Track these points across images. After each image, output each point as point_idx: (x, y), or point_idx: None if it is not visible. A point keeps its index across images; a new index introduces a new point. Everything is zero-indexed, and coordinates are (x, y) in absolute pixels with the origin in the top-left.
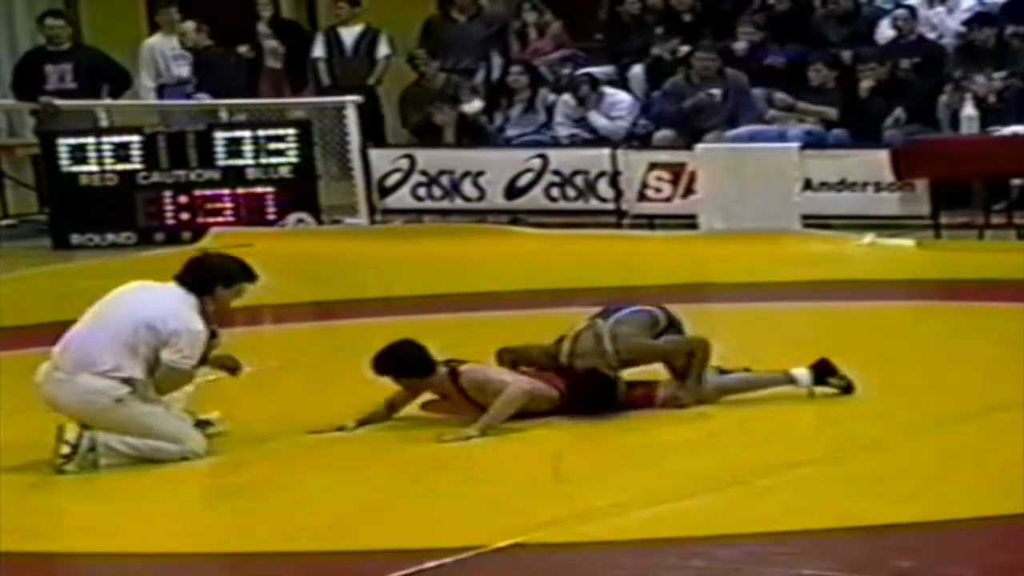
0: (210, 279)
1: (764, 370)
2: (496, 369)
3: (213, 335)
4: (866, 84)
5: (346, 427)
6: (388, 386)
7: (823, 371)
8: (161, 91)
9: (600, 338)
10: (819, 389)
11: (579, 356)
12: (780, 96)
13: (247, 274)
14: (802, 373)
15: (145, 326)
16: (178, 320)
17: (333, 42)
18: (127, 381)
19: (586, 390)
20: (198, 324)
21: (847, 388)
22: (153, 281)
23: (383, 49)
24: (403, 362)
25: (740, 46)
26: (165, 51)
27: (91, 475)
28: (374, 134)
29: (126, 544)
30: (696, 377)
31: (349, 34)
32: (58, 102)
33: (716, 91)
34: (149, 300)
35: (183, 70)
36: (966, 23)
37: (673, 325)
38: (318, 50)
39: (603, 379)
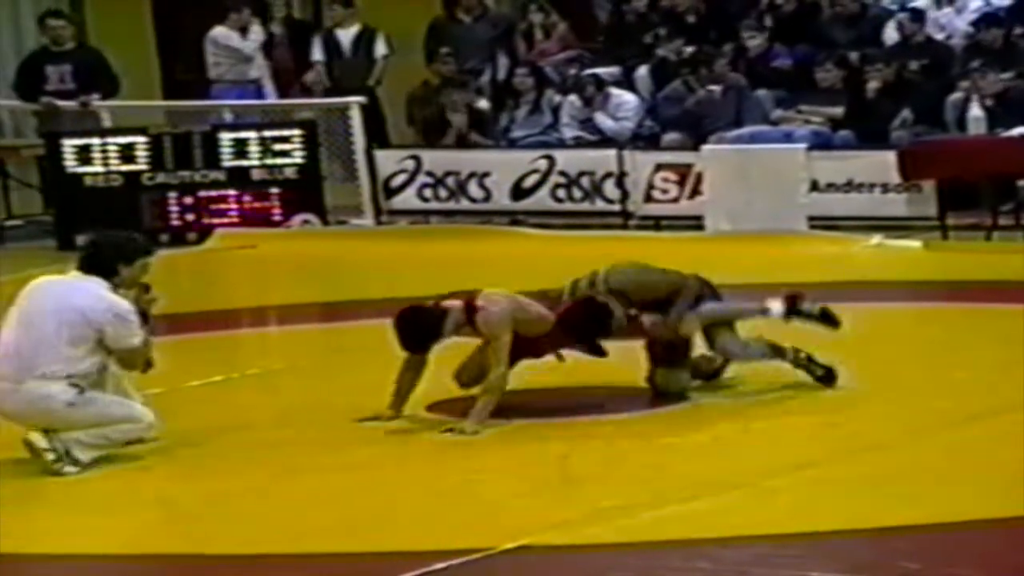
0: (110, 261)
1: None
2: (503, 316)
3: (145, 318)
4: (873, 85)
5: (382, 416)
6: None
7: (794, 304)
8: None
9: (595, 276)
10: (795, 321)
11: (576, 294)
12: (779, 109)
13: (143, 248)
14: (776, 304)
15: (74, 320)
16: (101, 306)
17: (331, 44)
18: (72, 379)
19: (581, 316)
20: (121, 303)
21: (828, 376)
22: (57, 275)
23: (381, 49)
24: (417, 337)
25: (754, 44)
26: (235, 46)
27: (93, 477)
28: (375, 135)
29: (133, 546)
30: (678, 309)
31: (346, 35)
32: (59, 103)
33: (716, 87)
34: (66, 294)
35: (252, 69)
36: (973, 24)
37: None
38: (316, 53)
39: (599, 306)
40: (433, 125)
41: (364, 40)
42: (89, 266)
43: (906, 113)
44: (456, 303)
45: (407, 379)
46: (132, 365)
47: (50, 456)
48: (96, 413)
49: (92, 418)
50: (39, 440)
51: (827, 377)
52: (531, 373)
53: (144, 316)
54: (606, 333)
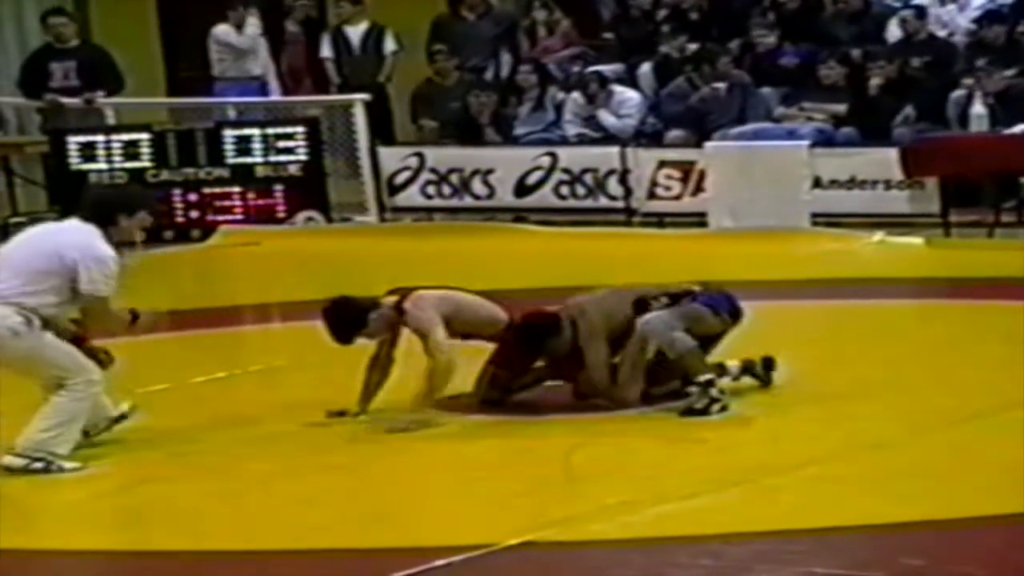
0: (111, 210)
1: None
2: (430, 315)
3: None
4: (875, 82)
5: (348, 412)
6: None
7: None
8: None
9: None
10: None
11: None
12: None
13: (147, 201)
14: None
15: (48, 253)
16: (85, 248)
17: (340, 41)
18: (24, 307)
19: (527, 325)
20: (106, 249)
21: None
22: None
23: (390, 45)
24: (342, 325)
25: (765, 43)
26: (234, 42)
27: (93, 473)
28: (383, 132)
29: (134, 542)
30: (623, 384)
31: (355, 32)
32: (63, 100)
33: (720, 85)
34: (53, 231)
35: (254, 66)
36: (976, 21)
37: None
38: (325, 50)
39: (549, 320)
40: (455, 121)
41: (373, 37)
42: (88, 213)
43: (908, 110)
44: (389, 300)
45: (373, 377)
46: (95, 319)
47: (38, 466)
48: (39, 351)
49: (35, 355)
50: (14, 461)
51: (766, 370)
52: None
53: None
54: (538, 349)
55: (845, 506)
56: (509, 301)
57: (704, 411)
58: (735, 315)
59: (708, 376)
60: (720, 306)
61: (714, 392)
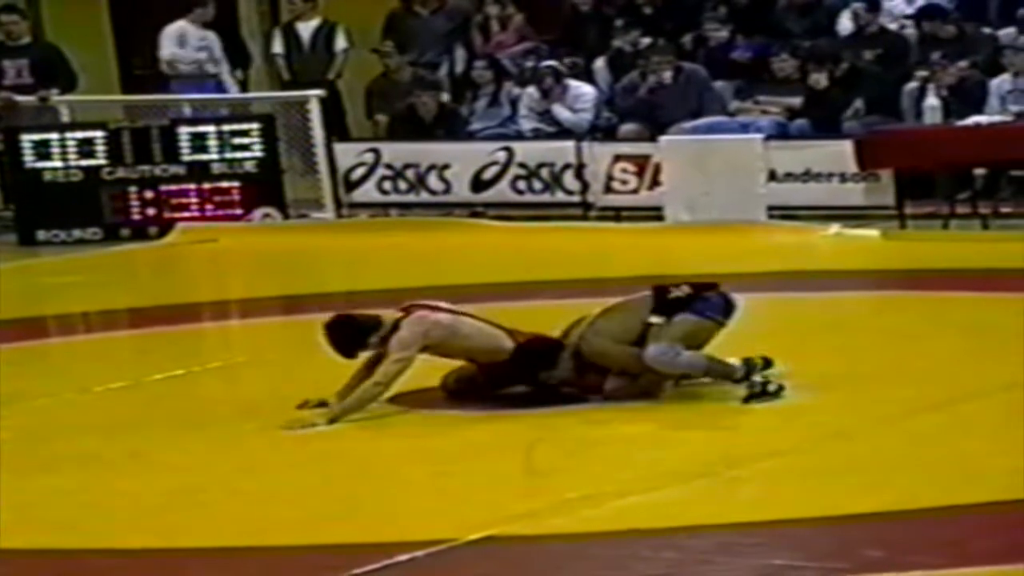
0: None
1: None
2: (411, 341)
3: None
4: (818, 76)
5: (329, 403)
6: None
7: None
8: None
9: (581, 323)
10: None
11: (567, 336)
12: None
13: None
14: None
15: None
16: None
17: (291, 38)
18: None
19: (526, 350)
20: None
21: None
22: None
23: (341, 42)
24: (343, 343)
25: (717, 36)
26: (191, 39)
27: (53, 473)
28: (336, 128)
29: (97, 541)
30: (637, 388)
31: (306, 29)
32: (17, 97)
33: (666, 74)
34: None
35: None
36: (914, 16)
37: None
38: (276, 46)
39: (548, 350)
40: (403, 119)
41: (324, 34)
42: None
43: (859, 103)
44: (391, 318)
45: (360, 376)
46: None
47: None
48: None
49: None
50: None
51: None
52: None
53: None
54: (530, 377)
55: (805, 498)
56: (469, 297)
57: (764, 393)
58: (728, 313)
59: (740, 371)
60: (715, 309)
61: (757, 378)
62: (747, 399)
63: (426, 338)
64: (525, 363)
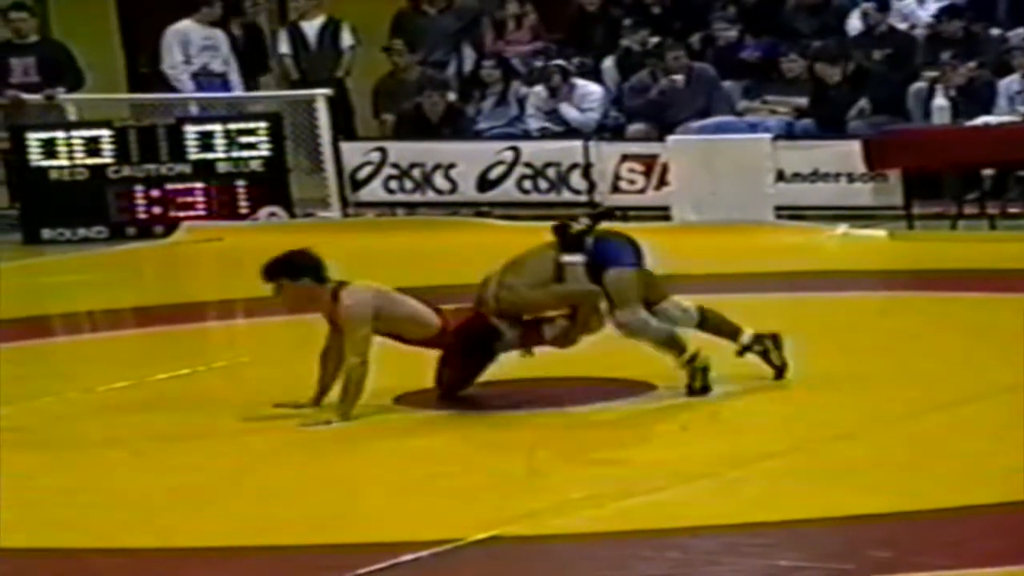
0: None
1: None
2: (361, 311)
3: None
4: (827, 72)
5: (304, 405)
6: None
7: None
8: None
9: (488, 284)
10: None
11: (481, 303)
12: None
13: None
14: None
15: None
16: None
17: (297, 37)
18: None
19: (468, 335)
20: None
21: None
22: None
23: (347, 39)
24: (297, 263)
25: (727, 36)
26: (196, 39)
27: (57, 470)
28: (344, 127)
29: (99, 540)
30: (579, 326)
31: (311, 27)
32: (23, 96)
33: (679, 77)
34: None
35: (214, 62)
36: (935, 16)
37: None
38: (283, 46)
39: (487, 330)
40: (410, 118)
41: (330, 32)
42: None
43: (863, 103)
44: (330, 284)
45: (328, 368)
46: None
47: None
48: None
49: None
50: None
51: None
52: (495, 366)
53: None
54: (489, 358)
55: (810, 498)
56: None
57: (704, 389)
58: (641, 256)
59: (688, 355)
60: (633, 256)
61: (698, 364)
62: (690, 390)
63: (375, 301)
64: (478, 343)
